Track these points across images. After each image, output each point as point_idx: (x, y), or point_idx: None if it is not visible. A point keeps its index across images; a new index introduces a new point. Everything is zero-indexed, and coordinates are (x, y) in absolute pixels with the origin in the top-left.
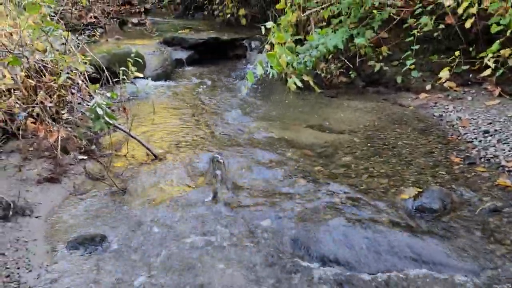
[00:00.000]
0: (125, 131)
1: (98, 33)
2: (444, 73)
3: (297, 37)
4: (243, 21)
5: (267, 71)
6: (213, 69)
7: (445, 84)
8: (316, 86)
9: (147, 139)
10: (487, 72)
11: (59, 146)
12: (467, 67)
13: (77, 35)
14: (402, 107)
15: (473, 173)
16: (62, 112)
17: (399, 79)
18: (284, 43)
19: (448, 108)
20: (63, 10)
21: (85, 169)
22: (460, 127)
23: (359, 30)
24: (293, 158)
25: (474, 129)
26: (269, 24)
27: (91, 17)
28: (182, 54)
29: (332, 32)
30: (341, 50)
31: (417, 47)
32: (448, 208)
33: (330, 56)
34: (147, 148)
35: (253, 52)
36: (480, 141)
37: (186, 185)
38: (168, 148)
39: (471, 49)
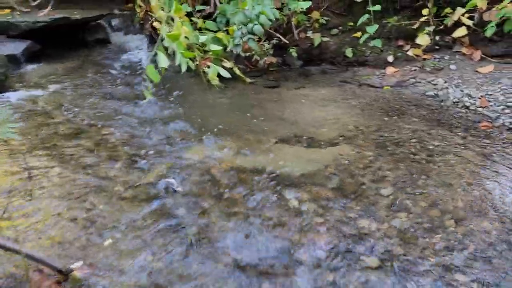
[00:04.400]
0: None
1: None
2: (423, 39)
3: (201, 7)
4: None
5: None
6: (71, 65)
7: (409, 53)
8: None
9: (25, 235)
10: (461, 32)
11: None
12: (431, 28)
13: None
14: (375, 89)
15: None
16: None
17: (349, 52)
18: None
19: (437, 84)
20: None
21: None
22: (480, 109)
23: None
24: (309, 210)
25: (503, 109)
26: None
27: None
28: (14, 47)
29: None
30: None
31: (376, 8)
32: None
33: None
34: (38, 261)
35: (118, 34)
36: None
37: None
38: (78, 244)
39: (430, 5)
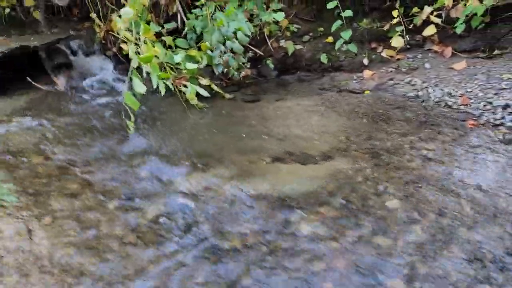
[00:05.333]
0: None
1: None
2: (397, 41)
3: (169, 25)
4: (36, 15)
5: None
6: (35, 96)
7: (383, 54)
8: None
9: None
10: (430, 30)
11: None
12: (401, 28)
13: None
14: (356, 95)
15: None
16: None
17: (324, 58)
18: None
19: (415, 84)
20: None
21: None
22: (462, 107)
23: (256, 2)
24: (321, 234)
25: (485, 105)
26: (126, 12)
27: None
28: None
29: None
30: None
31: (348, 13)
32: None
33: None
34: None
35: (78, 57)
36: None
37: None
38: None
39: (397, 5)
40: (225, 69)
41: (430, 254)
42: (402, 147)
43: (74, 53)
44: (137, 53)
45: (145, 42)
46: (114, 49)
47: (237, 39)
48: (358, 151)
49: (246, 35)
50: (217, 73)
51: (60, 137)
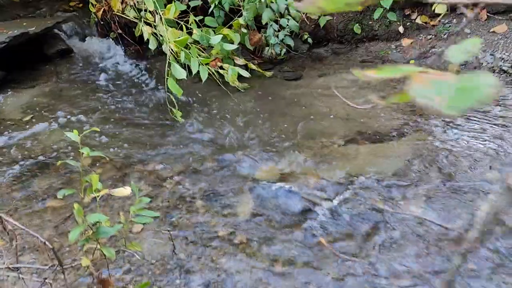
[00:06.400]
0: None
1: None
2: (440, 7)
3: (195, 3)
4: None
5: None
6: (47, 89)
7: (417, 21)
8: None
9: None
10: None
11: None
12: None
13: None
14: (402, 65)
15: None
16: None
17: (357, 29)
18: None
19: None
20: None
21: None
22: None
23: None
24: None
25: None
26: None
27: None
28: None
29: None
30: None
31: None
32: None
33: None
34: None
35: (74, 40)
36: None
37: None
38: None
39: None
40: (256, 46)
41: None
42: (474, 116)
43: (69, 36)
44: (154, 34)
45: (169, 24)
46: (120, 31)
47: (291, 16)
48: (429, 124)
49: (297, 10)
50: (272, 54)
51: (102, 133)
